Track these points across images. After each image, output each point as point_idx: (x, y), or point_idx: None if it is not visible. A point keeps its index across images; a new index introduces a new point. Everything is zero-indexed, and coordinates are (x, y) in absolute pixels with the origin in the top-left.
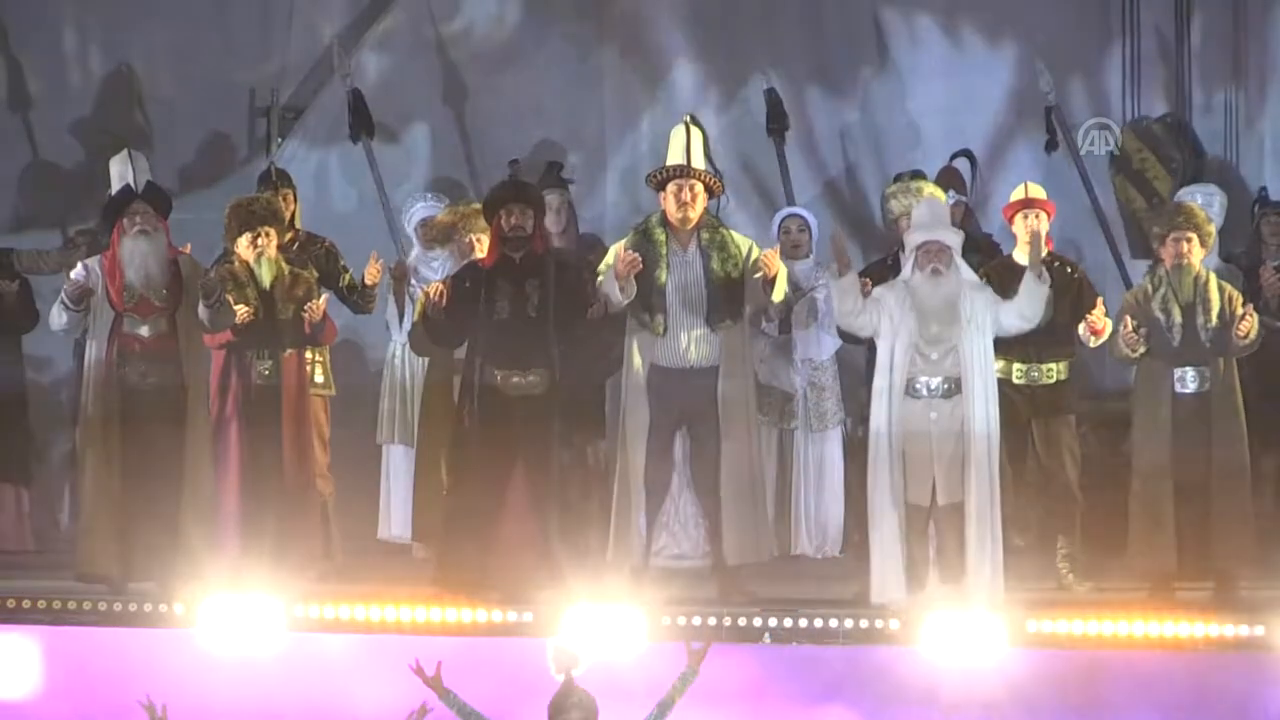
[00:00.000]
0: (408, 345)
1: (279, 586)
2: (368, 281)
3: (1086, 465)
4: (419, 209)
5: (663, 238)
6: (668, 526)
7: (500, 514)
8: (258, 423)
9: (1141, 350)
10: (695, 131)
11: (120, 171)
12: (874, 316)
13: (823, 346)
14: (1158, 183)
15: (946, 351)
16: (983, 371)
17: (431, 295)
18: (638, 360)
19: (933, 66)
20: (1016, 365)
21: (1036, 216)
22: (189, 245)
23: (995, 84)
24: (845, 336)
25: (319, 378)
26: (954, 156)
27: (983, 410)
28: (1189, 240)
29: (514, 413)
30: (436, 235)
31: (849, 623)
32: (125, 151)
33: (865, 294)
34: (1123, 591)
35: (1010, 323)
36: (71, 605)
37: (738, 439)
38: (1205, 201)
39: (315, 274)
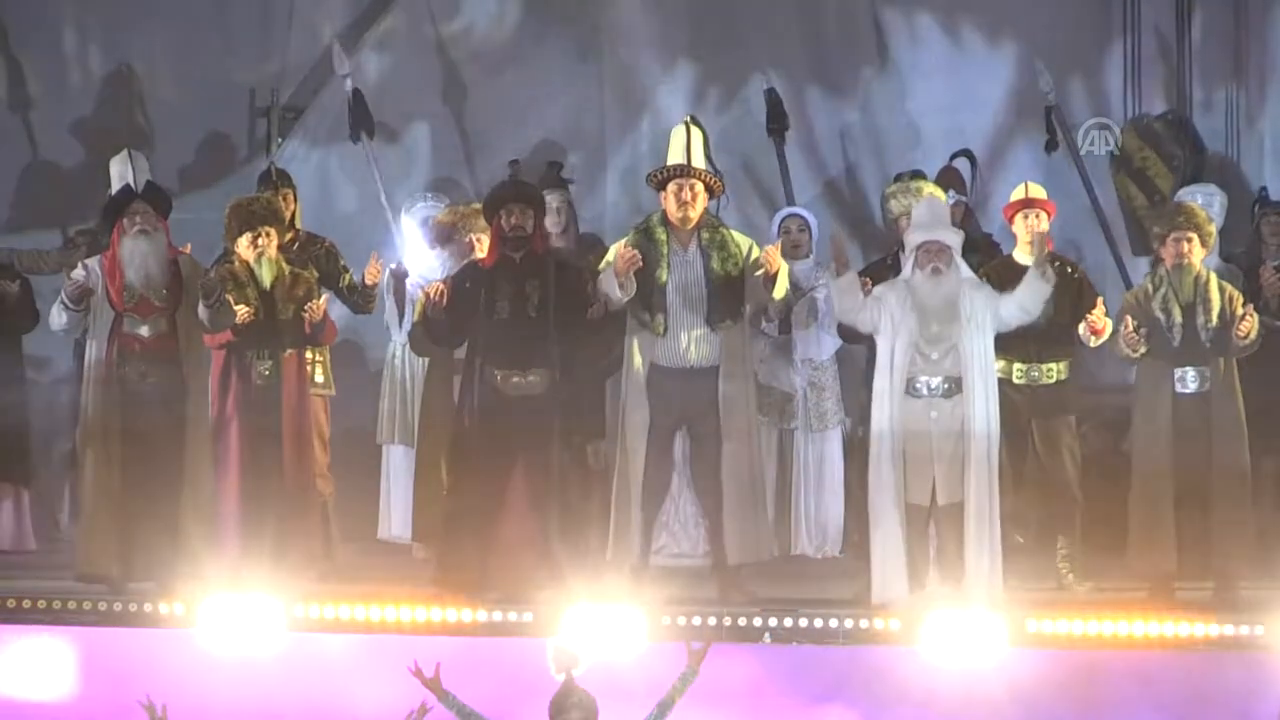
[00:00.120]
0: (408, 345)
1: (279, 586)
2: (368, 281)
3: (1086, 465)
4: (419, 209)
5: (663, 237)
6: (668, 526)
7: (500, 514)
8: (258, 423)
9: (1142, 350)
10: (695, 131)
11: (120, 171)
12: (875, 313)
13: (823, 346)
14: (1159, 180)
15: (947, 351)
16: (983, 371)
17: (431, 295)
18: (638, 360)
19: (933, 66)
20: (1017, 365)
21: (1037, 216)
22: (189, 245)
23: (995, 84)
24: (845, 336)
25: (319, 378)
26: (954, 156)
27: (983, 410)
28: (1189, 240)
29: (514, 413)
30: (436, 235)
31: (849, 623)
32: (125, 151)
33: (865, 293)
34: (1123, 591)
35: (1010, 314)
36: (71, 605)
37: (738, 439)
38: (1205, 201)
39: (315, 274)
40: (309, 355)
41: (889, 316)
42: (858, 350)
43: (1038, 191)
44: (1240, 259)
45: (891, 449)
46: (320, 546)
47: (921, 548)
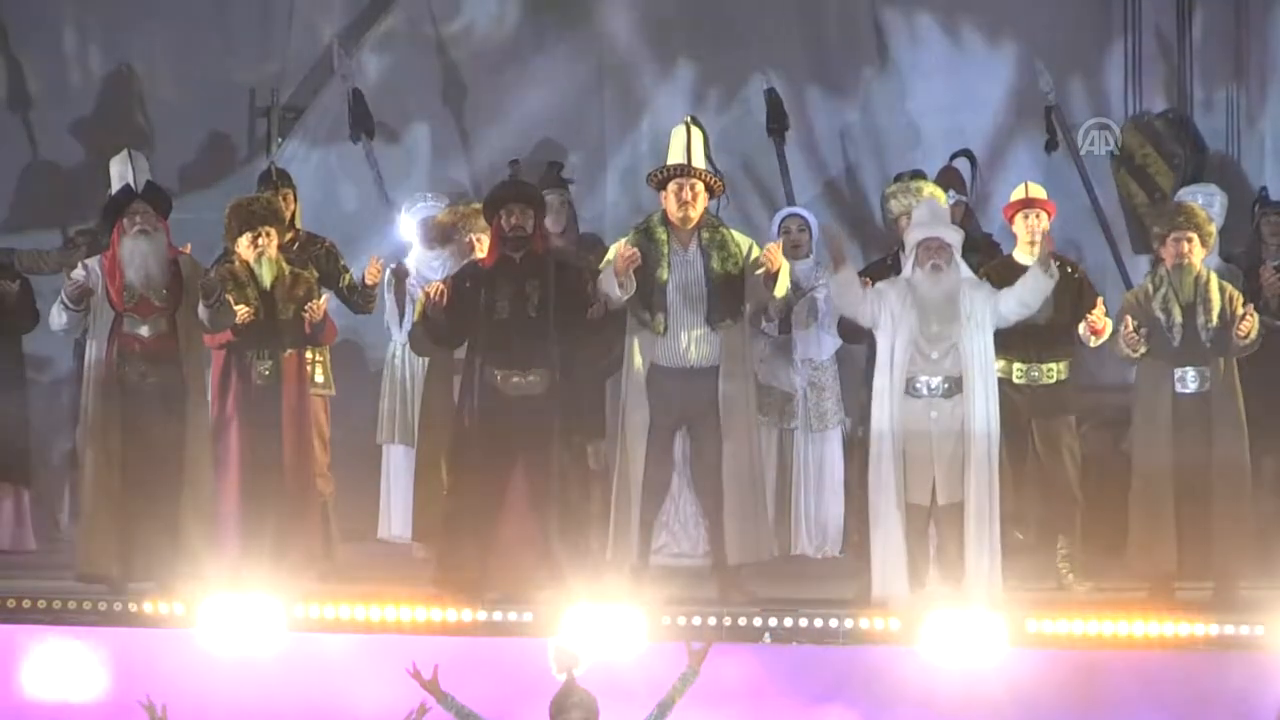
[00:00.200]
0: (408, 345)
1: (279, 586)
2: (368, 281)
3: (1086, 465)
4: (419, 209)
5: (664, 237)
6: (668, 525)
7: (500, 514)
8: (258, 423)
9: (1142, 350)
10: (696, 131)
11: (120, 171)
12: (875, 308)
13: (823, 346)
14: (1160, 178)
15: (947, 350)
16: (983, 370)
17: (431, 295)
18: (638, 360)
19: (933, 66)
20: (1017, 365)
21: (1037, 216)
22: (189, 245)
23: (995, 84)
24: (846, 336)
25: (319, 378)
26: (954, 156)
27: (983, 410)
28: (1190, 240)
29: (514, 413)
30: (436, 235)
31: (849, 623)
32: (125, 151)
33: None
34: (1123, 591)
35: (1009, 310)
36: (71, 605)
37: (738, 439)
38: (1206, 201)
39: (315, 274)
40: (309, 355)
41: (889, 312)
42: (858, 350)
43: (1038, 191)
44: (1240, 259)
45: (892, 449)
46: (320, 546)
47: (921, 547)
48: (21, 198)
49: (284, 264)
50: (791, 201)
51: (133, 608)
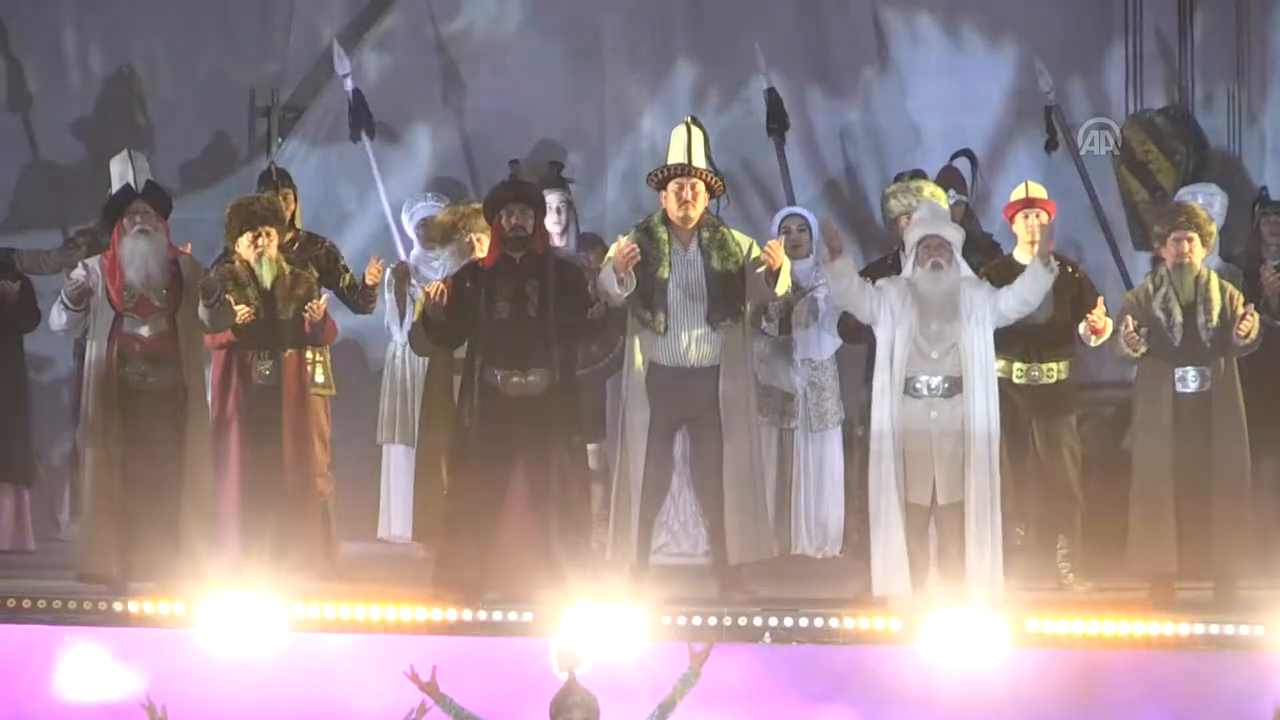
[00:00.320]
0: (408, 345)
1: (279, 586)
2: (368, 281)
3: (1086, 465)
4: (419, 209)
5: (664, 236)
6: (668, 525)
7: (500, 514)
8: (258, 423)
9: (1142, 350)
10: (696, 131)
11: (120, 171)
12: (875, 303)
13: (823, 346)
14: (1161, 175)
15: (947, 350)
16: (983, 370)
17: (432, 295)
18: (638, 360)
19: (933, 66)
20: (1017, 365)
21: (1037, 216)
22: (189, 245)
23: (995, 84)
24: (846, 336)
25: (319, 378)
26: (954, 156)
27: (983, 409)
28: (1190, 240)
29: (514, 413)
30: (436, 235)
31: (849, 623)
32: (125, 151)
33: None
34: (1123, 591)
35: (1009, 307)
36: (71, 605)
37: (738, 439)
38: (1206, 201)
39: (315, 274)
40: (309, 355)
41: (889, 309)
42: (858, 350)
43: (1038, 191)
44: (1241, 259)
45: (892, 448)
46: (320, 546)
47: (921, 547)
48: (21, 198)
49: (284, 264)
50: (792, 201)
51: (133, 608)
